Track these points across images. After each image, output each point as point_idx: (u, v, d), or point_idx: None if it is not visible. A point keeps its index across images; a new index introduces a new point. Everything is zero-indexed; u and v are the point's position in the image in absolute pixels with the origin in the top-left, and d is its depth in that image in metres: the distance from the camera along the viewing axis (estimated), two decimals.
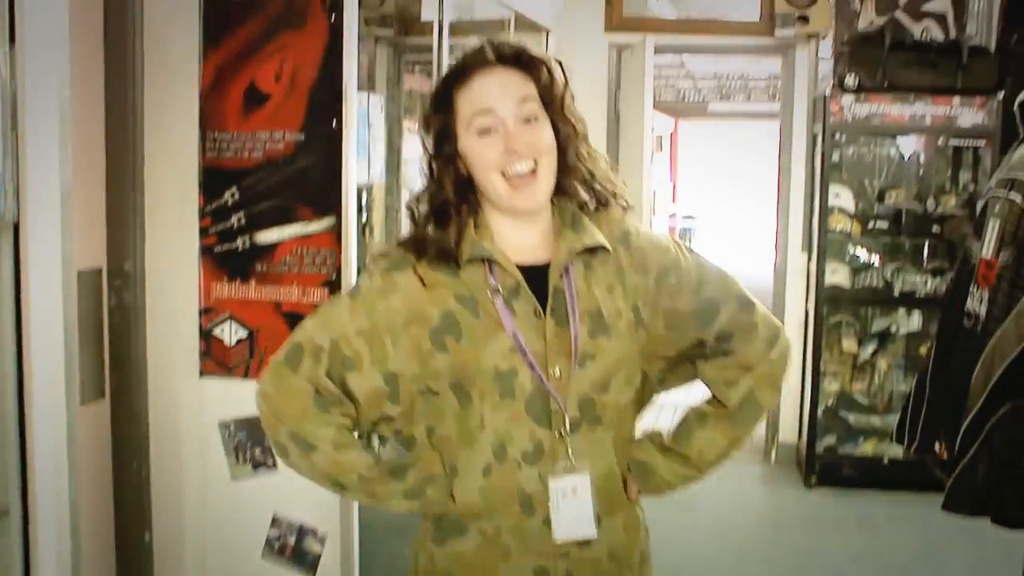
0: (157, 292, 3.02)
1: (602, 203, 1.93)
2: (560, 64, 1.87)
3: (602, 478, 1.85)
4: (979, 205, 2.81)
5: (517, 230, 1.87)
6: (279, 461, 2.97)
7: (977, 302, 2.56)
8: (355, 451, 1.86)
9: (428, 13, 6.09)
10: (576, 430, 1.81)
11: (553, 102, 1.84)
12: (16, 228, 1.77)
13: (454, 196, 1.84)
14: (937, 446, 2.65)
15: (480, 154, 1.81)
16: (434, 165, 1.86)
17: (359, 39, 4.47)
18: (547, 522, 1.82)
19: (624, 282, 1.88)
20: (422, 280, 1.83)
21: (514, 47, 1.83)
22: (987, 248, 2.55)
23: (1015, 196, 2.46)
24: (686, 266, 1.92)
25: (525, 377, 1.79)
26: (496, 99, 1.80)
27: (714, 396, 1.97)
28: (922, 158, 6.31)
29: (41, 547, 1.80)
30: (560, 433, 1.80)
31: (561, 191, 1.89)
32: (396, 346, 1.82)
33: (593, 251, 1.86)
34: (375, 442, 2.07)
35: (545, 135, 1.82)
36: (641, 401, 1.97)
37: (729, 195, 20.96)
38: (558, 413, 1.80)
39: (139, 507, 3.06)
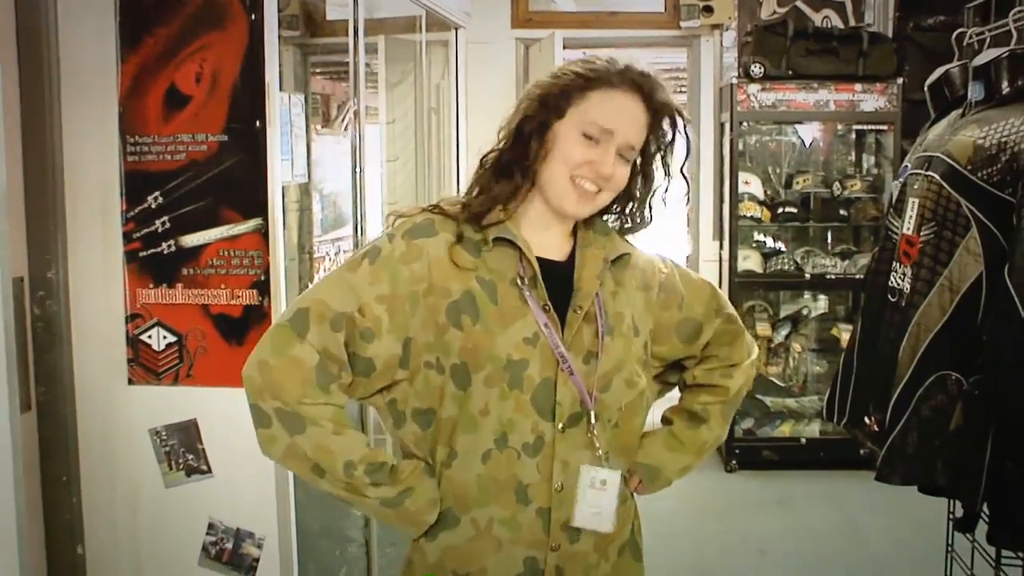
0: (81, 300, 2.96)
1: (624, 227, 2.02)
2: (682, 117, 1.93)
3: None
4: (895, 184, 2.89)
5: (546, 225, 1.91)
6: (212, 466, 2.99)
7: (900, 277, 2.64)
8: (350, 434, 1.82)
9: (334, 12, 6.06)
10: (575, 424, 1.84)
11: (649, 154, 1.93)
12: None
13: (523, 165, 1.86)
14: (867, 419, 2.72)
15: (570, 149, 1.83)
16: (525, 126, 1.86)
17: None
18: (540, 513, 1.84)
19: (627, 292, 1.95)
20: (451, 256, 1.83)
21: (664, 98, 1.88)
22: (908, 225, 2.63)
23: (933, 174, 2.54)
24: (677, 284, 2.03)
25: (535, 370, 1.81)
26: (620, 126, 1.83)
27: (711, 386, 2.09)
28: (827, 144, 6.46)
29: None
30: (589, 424, 1.84)
31: (605, 210, 1.98)
32: (415, 313, 1.81)
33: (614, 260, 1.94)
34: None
35: (624, 175, 1.89)
36: (641, 406, 1.99)
37: None
38: (562, 407, 1.82)
39: (70, 520, 3.00)
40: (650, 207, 2.01)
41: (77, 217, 2.94)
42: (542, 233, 1.90)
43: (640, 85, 1.84)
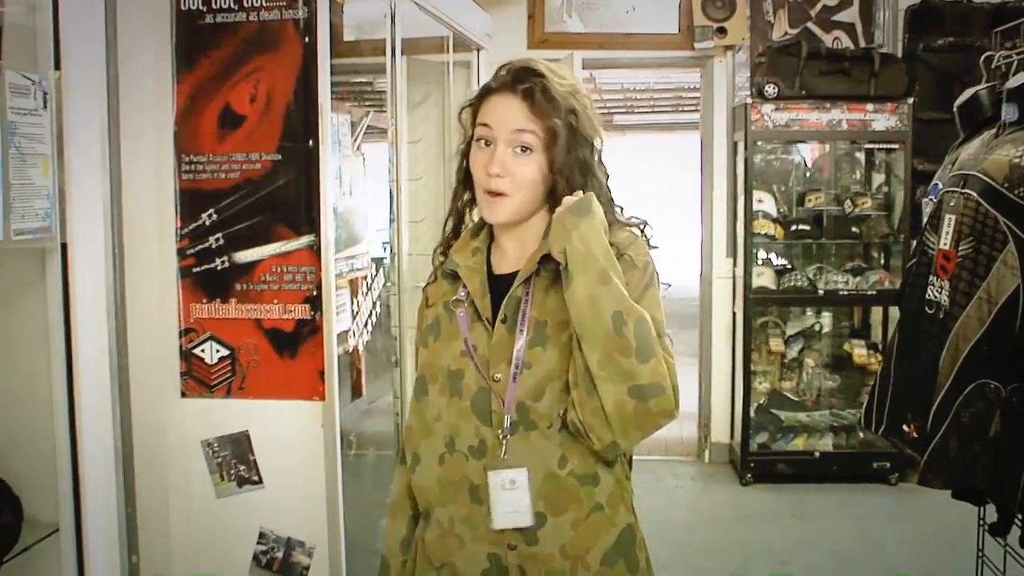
0: (137, 314, 3.03)
1: None
2: (578, 110, 1.95)
3: (545, 479, 1.92)
4: (925, 201, 2.98)
5: (510, 237, 2.04)
6: (264, 476, 3.06)
7: (938, 291, 2.73)
8: None
9: (351, 33, 6.14)
10: (515, 432, 1.92)
11: (555, 143, 1.92)
12: (63, 247, 1.81)
13: (463, 197, 2.08)
14: (905, 427, 2.80)
15: (473, 163, 1.98)
16: (458, 157, 2.05)
17: None
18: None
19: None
20: (426, 297, 2.12)
21: (533, 81, 1.92)
22: (944, 240, 2.72)
23: (970, 191, 2.63)
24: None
25: (471, 378, 1.95)
26: (496, 118, 1.93)
27: None
28: (838, 163, 6.55)
29: (92, 562, 1.84)
30: (500, 434, 1.92)
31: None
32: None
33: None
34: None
35: (527, 169, 1.93)
36: None
37: (647, 206, 21.20)
38: (498, 414, 1.92)
39: (125, 529, 3.06)
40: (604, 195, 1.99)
41: (134, 233, 3.02)
42: (510, 246, 2.04)
43: (507, 80, 1.95)
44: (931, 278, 2.77)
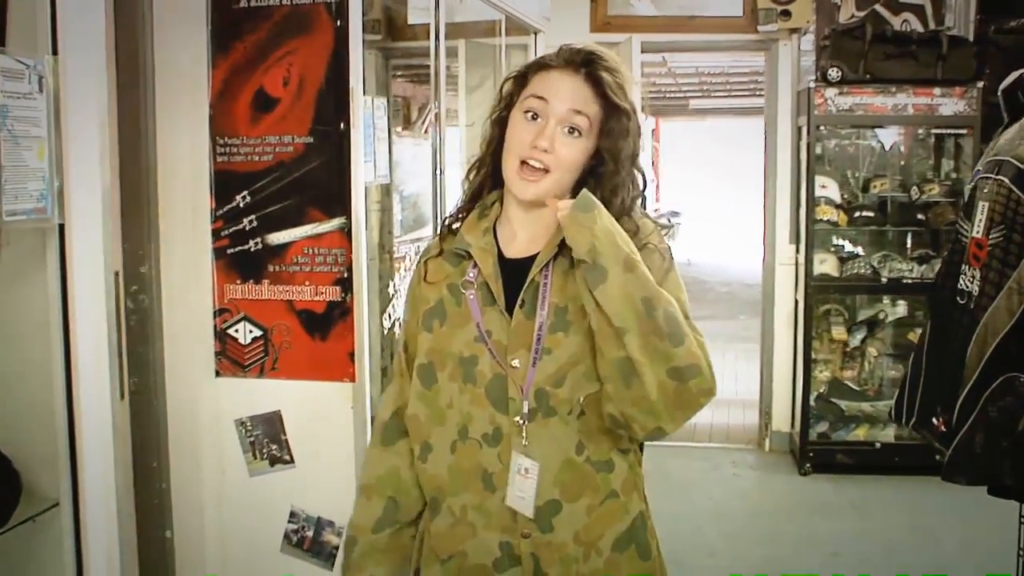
0: (172, 294, 3.09)
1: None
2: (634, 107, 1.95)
3: (563, 466, 1.91)
4: (967, 188, 2.91)
5: (527, 218, 1.97)
6: (295, 456, 3.10)
7: (969, 280, 2.66)
8: None
9: (415, 17, 6.17)
10: (533, 419, 1.89)
11: (609, 134, 1.91)
12: (61, 230, 1.86)
13: (488, 160, 1.99)
14: (935, 420, 2.74)
15: (515, 129, 1.91)
16: (486, 128, 1.99)
17: None
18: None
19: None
20: (424, 271, 2.03)
21: (602, 67, 1.90)
22: (977, 228, 2.65)
23: (1003, 177, 2.56)
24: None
25: (485, 365, 1.91)
26: (555, 94, 1.89)
27: None
28: (905, 148, 6.42)
29: (91, 536, 1.88)
30: (517, 421, 1.89)
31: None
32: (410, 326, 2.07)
33: None
34: None
35: (573, 152, 1.90)
36: None
37: (715, 190, 21.10)
38: (515, 401, 1.90)
39: (159, 505, 3.13)
40: (631, 193, 1.96)
41: (169, 215, 3.07)
42: (525, 227, 1.98)
43: (573, 60, 1.90)
44: (963, 267, 2.70)
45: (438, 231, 2.10)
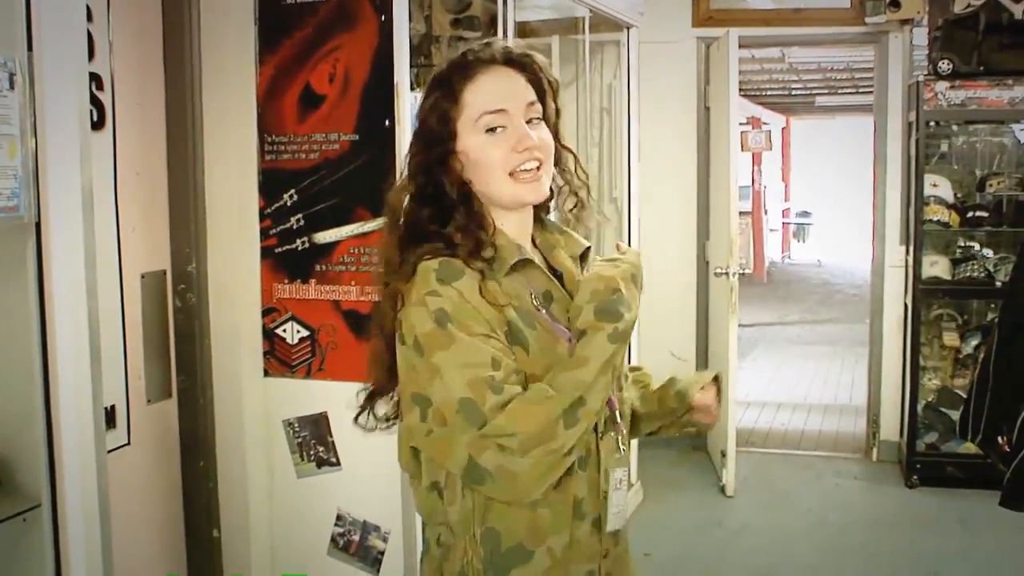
0: (220, 293, 3.08)
1: (580, 207, 1.88)
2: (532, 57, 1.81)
3: None
4: None
5: (520, 226, 1.82)
6: (341, 458, 3.06)
7: None
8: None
9: (518, 14, 6.10)
10: (606, 431, 1.78)
11: (547, 109, 1.80)
12: (38, 228, 1.83)
13: (456, 197, 1.74)
14: (1000, 439, 2.55)
15: (486, 152, 1.74)
16: (429, 167, 1.74)
17: (430, 41, 4.50)
18: (594, 524, 1.78)
19: None
20: (488, 295, 1.68)
21: (523, 51, 1.80)
22: None
23: None
24: None
25: None
26: (508, 98, 1.74)
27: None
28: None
29: (70, 538, 1.87)
30: (616, 425, 1.79)
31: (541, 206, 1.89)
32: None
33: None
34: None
35: (547, 134, 1.79)
36: None
37: (845, 190, 20.64)
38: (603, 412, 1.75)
39: (207, 504, 3.13)
40: (584, 184, 1.88)
41: (216, 214, 3.06)
42: (520, 237, 1.80)
43: (499, 59, 1.76)
44: None
45: (442, 252, 1.71)
